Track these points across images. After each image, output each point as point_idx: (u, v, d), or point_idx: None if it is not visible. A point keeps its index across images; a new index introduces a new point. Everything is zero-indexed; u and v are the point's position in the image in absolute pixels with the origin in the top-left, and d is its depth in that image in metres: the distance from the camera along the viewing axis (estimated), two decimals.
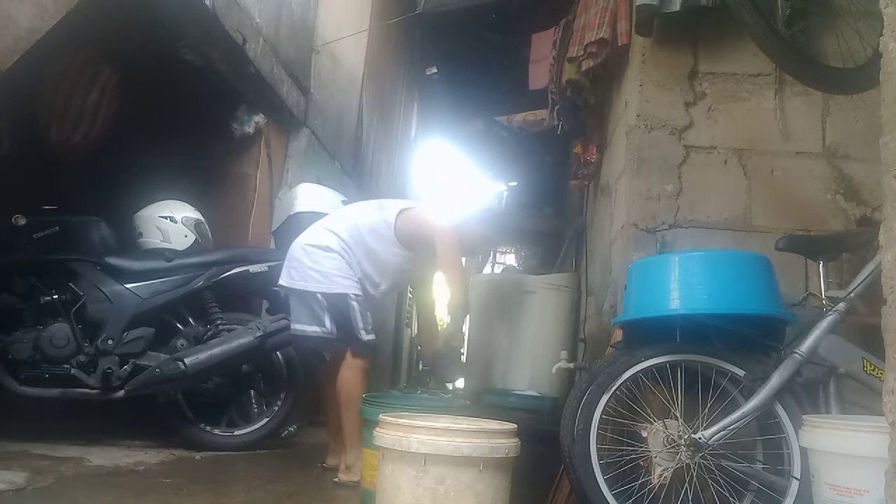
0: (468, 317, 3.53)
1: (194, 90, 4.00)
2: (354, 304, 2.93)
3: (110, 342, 3.17)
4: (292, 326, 3.08)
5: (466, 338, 3.54)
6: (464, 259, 3.34)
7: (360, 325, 2.93)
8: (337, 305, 2.94)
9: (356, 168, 6.10)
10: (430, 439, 1.68)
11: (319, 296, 2.95)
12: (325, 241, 3.00)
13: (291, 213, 3.59)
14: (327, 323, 2.96)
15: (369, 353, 3.01)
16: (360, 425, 2.65)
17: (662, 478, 1.92)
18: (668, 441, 1.93)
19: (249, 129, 4.25)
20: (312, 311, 2.98)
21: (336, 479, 2.86)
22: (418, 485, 1.67)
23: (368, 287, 3.05)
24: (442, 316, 3.45)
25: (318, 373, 3.69)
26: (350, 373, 2.93)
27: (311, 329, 3.00)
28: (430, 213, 3.08)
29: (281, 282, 3.07)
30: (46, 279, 3.18)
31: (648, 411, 2.03)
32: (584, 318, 3.89)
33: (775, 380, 1.92)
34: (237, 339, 3.27)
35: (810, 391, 2.01)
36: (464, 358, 3.25)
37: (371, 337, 2.97)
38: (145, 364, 3.18)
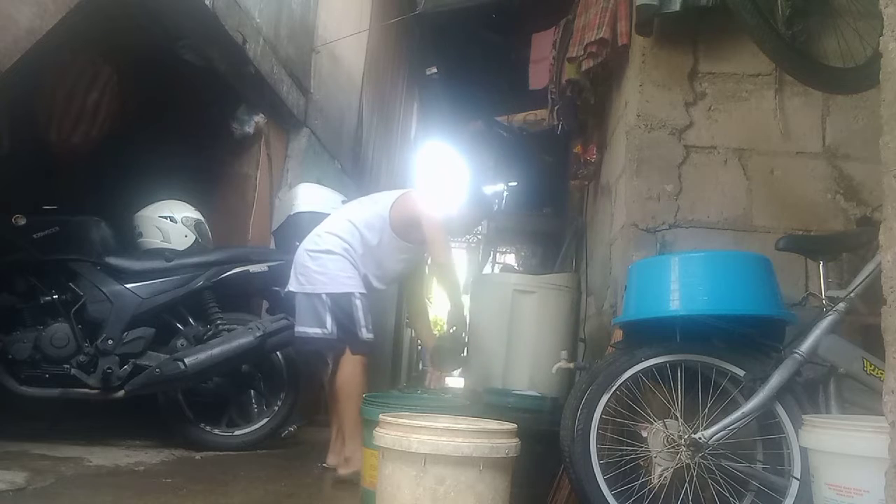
0: (468, 315, 3.54)
1: (194, 90, 4.00)
2: (358, 302, 3.02)
3: (110, 342, 3.17)
4: (296, 329, 3.12)
5: (467, 336, 3.53)
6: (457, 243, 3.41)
7: (362, 322, 3.01)
8: (340, 304, 3.01)
9: (356, 168, 6.09)
10: (430, 439, 1.68)
11: (325, 296, 3.02)
12: (327, 245, 3.08)
13: (291, 214, 3.60)
14: (328, 324, 3.02)
15: (367, 351, 3.07)
16: (359, 418, 2.69)
17: (662, 478, 1.91)
18: (668, 441, 1.93)
19: (249, 129, 4.25)
20: (316, 313, 3.04)
21: (337, 475, 2.90)
22: (418, 485, 1.67)
23: (373, 280, 3.14)
24: (434, 303, 3.50)
25: (318, 373, 3.69)
26: (350, 368, 3.01)
27: (313, 331, 3.06)
28: (419, 200, 3.16)
29: (290, 288, 3.14)
30: (46, 279, 3.18)
31: (648, 411, 2.03)
32: (584, 318, 3.89)
33: (775, 380, 1.92)
34: (237, 339, 3.27)
35: (810, 391, 2.01)
36: (465, 346, 3.28)
37: (370, 336, 3.05)
38: (145, 364, 3.18)
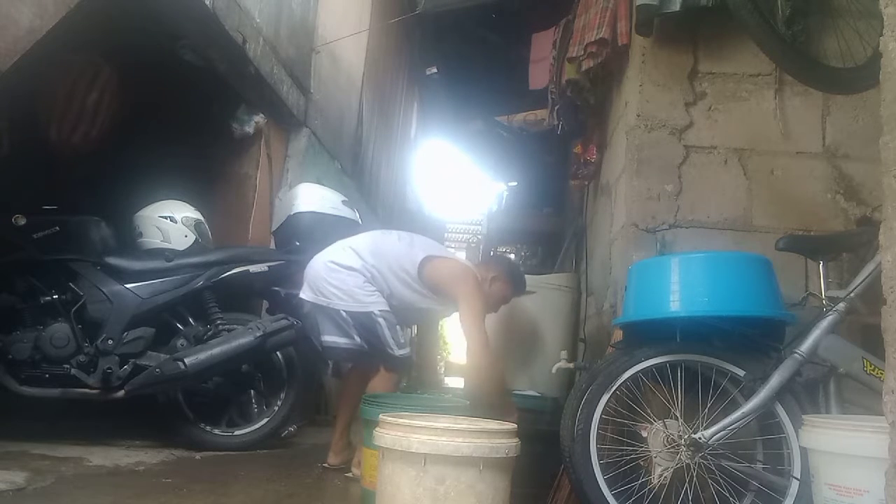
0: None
1: (194, 90, 4.00)
2: (381, 320, 2.90)
3: (110, 342, 3.16)
4: (323, 339, 3.05)
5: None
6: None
7: (391, 341, 2.91)
8: (363, 323, 2.93)
9: (356, 168, 6.10)
10: (430, 439, 1.68)
11: (344, 313, 2.93)
12: (348, 261, 2.98)
13: (291, 214, 3.59)
14: (356, 337, 2.96)
15: (402, 368, 3.02)
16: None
17: (662, 478, 1.92)
18: (668, 441, 1.93)
19: (249, 129, 4.25)
20: (339, 325, 2.98)
21: (349, 474, 2.92)
22: (418, 485, 1.67)
23: (390, 300, 3.00)
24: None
25: (318, 373, 3.69)
26: (382, 384, 2.94)
27: (343, 341, 2.99)
28: (458, 272, 2.97)
29: (302, 295, 3.07)
30: (46, 279, 3.17)
31: (648, 411, 2.03)
32: (584, 318, 3.89)
33: (775, 380, 1.92)
34: (237, 339, 3.27)
35: (810, 391, 2.01)
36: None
37: (404, 351, 2.95)
38: (145, 364, 3.18)
